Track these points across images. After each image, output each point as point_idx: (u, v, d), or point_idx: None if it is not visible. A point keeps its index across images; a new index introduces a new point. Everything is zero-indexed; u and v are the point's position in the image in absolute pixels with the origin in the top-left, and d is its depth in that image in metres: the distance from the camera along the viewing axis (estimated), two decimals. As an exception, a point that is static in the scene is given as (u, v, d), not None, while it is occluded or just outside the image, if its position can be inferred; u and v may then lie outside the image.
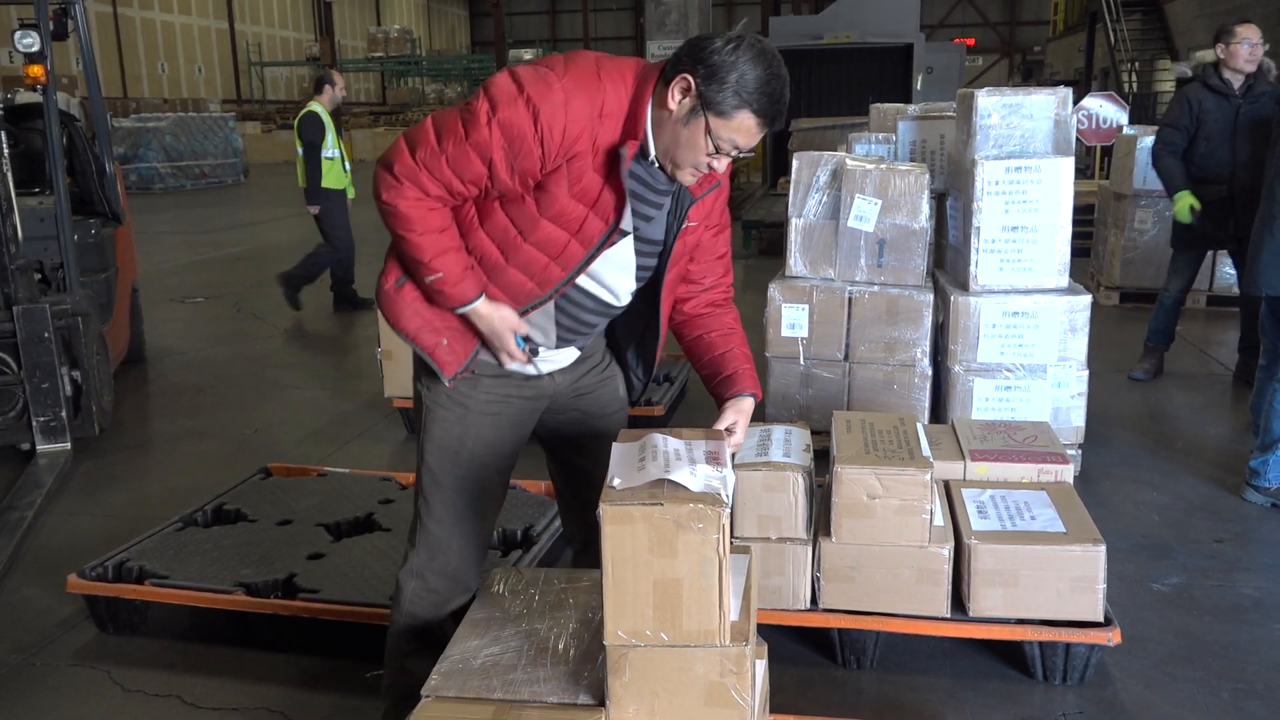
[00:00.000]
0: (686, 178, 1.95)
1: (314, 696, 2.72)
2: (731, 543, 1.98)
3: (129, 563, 3.06)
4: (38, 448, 4.41)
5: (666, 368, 5.12)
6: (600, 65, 1.91)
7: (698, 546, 1.73)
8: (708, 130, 1.85)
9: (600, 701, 1.85)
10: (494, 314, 2.03)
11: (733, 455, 2.05)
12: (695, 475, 1.80)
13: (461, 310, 2.02)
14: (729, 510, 1.74)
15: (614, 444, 2.00)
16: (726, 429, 2.09)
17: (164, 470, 4.43)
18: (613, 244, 2.00)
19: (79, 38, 5.56)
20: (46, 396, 4.38)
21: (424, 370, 2.15)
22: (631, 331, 2.25)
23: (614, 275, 2.07)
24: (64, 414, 4.43)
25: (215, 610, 2.94)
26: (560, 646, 2.03)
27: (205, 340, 6.83)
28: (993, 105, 4.11)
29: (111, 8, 27.08)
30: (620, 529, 1.73)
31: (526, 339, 2.09)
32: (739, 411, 2.13)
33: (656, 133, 1.90)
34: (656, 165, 1.95)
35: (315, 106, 7.58)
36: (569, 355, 2.18)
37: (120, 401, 5.28)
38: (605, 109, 1.87)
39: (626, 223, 1.97)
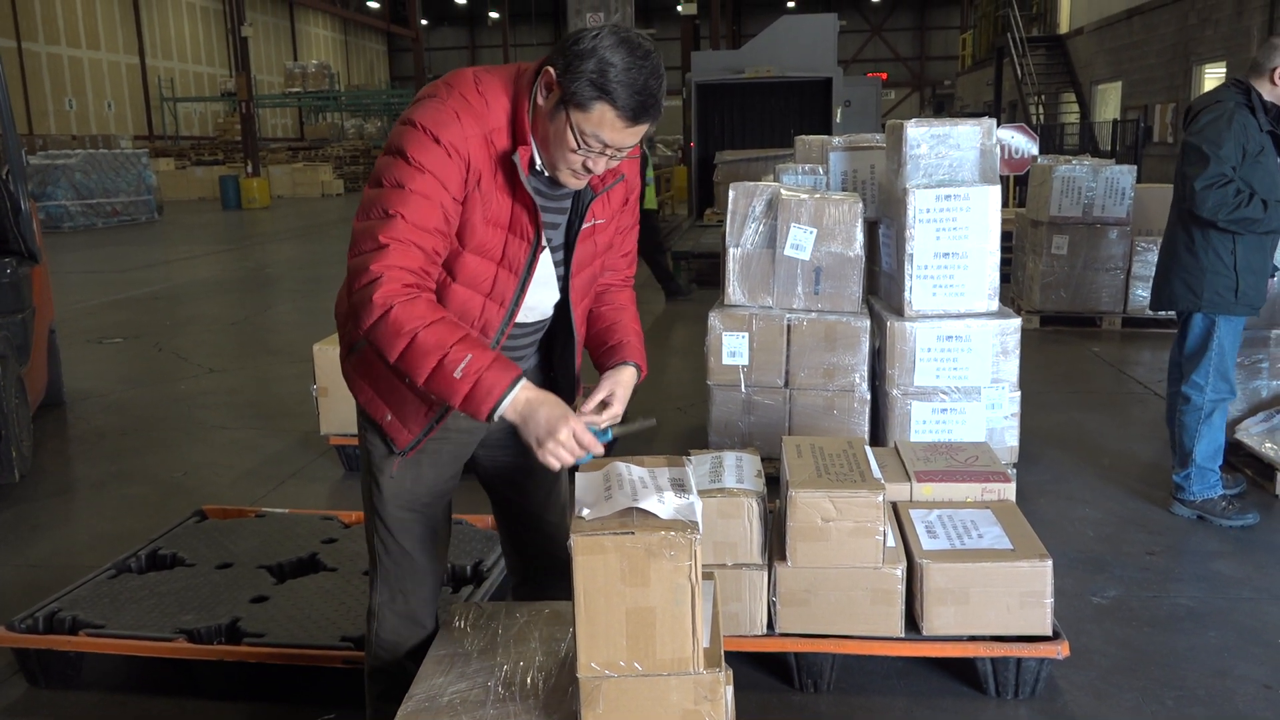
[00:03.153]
0: (568, 180, 1.86)
1: (263, 745, 2.63)
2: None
3: (60, 613, 2.93)
4: (-46, 497, 4.21)
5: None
6: (479, 79, 1.85)
7: (670, 574, 1.73)
8: (570, 125, 1.76)
9: (573, 735, 1.82)
10: (542, 399, 1.79)
11: (609, 428, 1.94)
12: (664, 503, 1.80)
13: (506, 400, 1.75)
14: (699, 537, 1.74)
15: (577, 474, 1.99)
16: (603, 400, 1.97)
17: (90, 517, 4.27)
18: (538, 262, 1.95)
19: (-9, 72, 5.39)
20: (-37, 443, 4.19)
21: (366, 420, 2.10)
22: (553, 349, 2.17)
23: (541, 292, 2.02)
24: (-18, 461, 4.24)
25: (155, 659, 2.83)
26: (529, 680, 2.01)
27: (126, 381, 6.61)
28: (922, 135, 4.23)
29: (16, 43, 26.31)
30: (592, 559, 1.72)
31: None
32: (616, 382, 2.01)
33: (535, 136, 1.84)
34: (543, 170, 1.88)
35: None
36: None
37: (40, 446, 5.08)
38: (491, 123, 1.82)
39: (543, 236, 1.92)
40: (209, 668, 2.81)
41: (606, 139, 1.77)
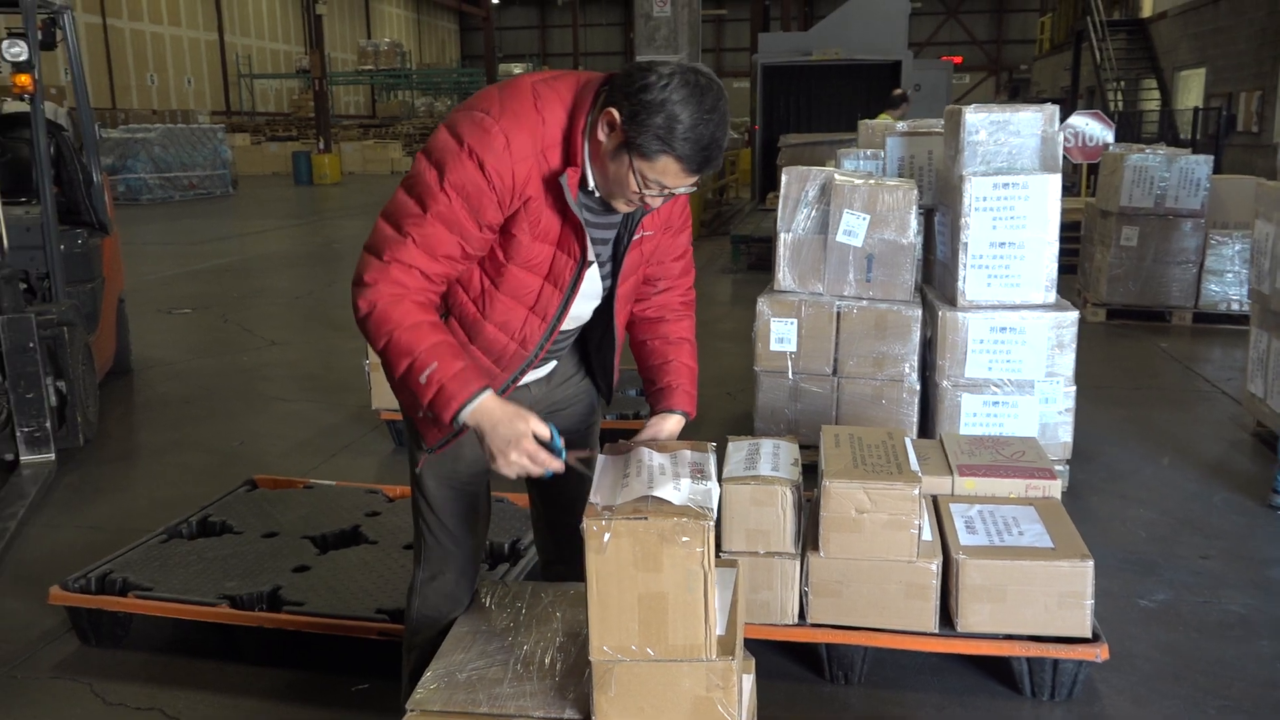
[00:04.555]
0: (623, 207, 1.88)
1: (298, 711, 2.69)
2: (719, 556, 1.99)
3: (112, 574, 3.03)
4: (21, 459, 4.37)
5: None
6: (537, 93, 1.83)
7: (682, 560, 1.73)
8: (632, 169, 1.77)
9: (586, 716, 1.84)
10: (503, 415, 1.81)
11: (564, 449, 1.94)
12: (679, 489, 1.80)
13: (466, 410, 1.80)
14: (713, 523, 1.74)
15: (600, 457, 2.00)
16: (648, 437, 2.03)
17: (149, 482, 4.40)
18: (583, 278, 1.96)
19: (67, 48, 5.55)
20: (31, 407, 4.35)
21: (402, 407, 2.13)
22: (589, 341, 2.20)
23: (584, 304, 2.05)
24: (48, 425, 4.40)
25: (199, 623, 2.91)
26: (546, 660, 2.02)
27: (192, 351, 6.79)
28: (980, 122, 4.13)
29: (101, 19, 27.05)
30: (604, 543, 1.73)
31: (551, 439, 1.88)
32: (659, 429, 2.07)
33: (592, 161, 1.83)
34: (595, 191, 1.88)
35: None
36: (545, 368, 2.16)
37: (106, 412, 5.24)
38: (547, 140, 1.81)
39: (590, 252, 1.92)
40: (249, 633, 2.88)
41: (667, 184, 1.78)
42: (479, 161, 1.75)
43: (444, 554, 2.20)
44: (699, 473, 1.89)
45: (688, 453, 1.99)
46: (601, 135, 1.78)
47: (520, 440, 1.81)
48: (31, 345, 4.31)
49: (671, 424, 2.09)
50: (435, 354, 1.79)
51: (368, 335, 1.85)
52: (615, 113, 1.74)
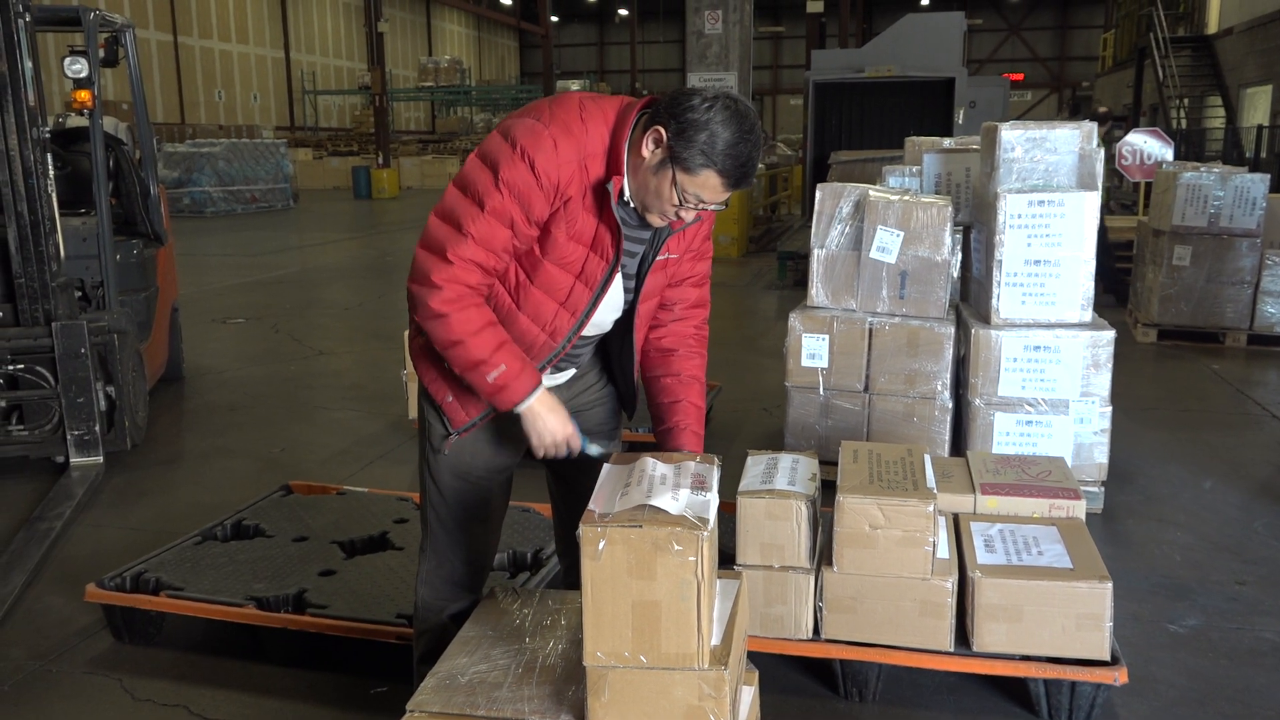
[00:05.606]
0: (656, 221, 2.02)
1: (318, 711, 2.75)
2: (732, 569, 2.01)
3: (146, 574, 3.13)
4: (71, 461, 4.52)
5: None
6: (583, 107, 1.98)
7: (676, 569, 1.75)
8: (674, 183, 1.92)
9: (581, 721, 1.86)
10: (556, 412, 2.08)
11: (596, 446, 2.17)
12: (677, 499, 1.82)
13: (521, 407, 2.04)
14: (708, 534, 1.75)
15: (604, 466, 2.03)
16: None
17: (191, 486, 4.52)
18: (612, 283, 2.08)
19: (129, 65, 5.75)
20: (81, 411, 4.50)
21: (427, 398, 2.23)
22: (610, 351, 2.30)
23: (606, 312, 2.16)
24: (97, 428, 4.54)
25: (227, 623, 2.99)
26: (548, 665, 2.05)
27: (242, 360, 6.97)
28: (1016, 138, 4.10)
29: (172, 37, 27.90)
30: (599, 550, 1.75)
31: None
32: None
33: (631, 175, 1.98)
34: (631, 204, 2.02)
35: None
36: (565, 374, 2.24)
37: (155, 418, 5.39)
38: (589, 149, 1.95)
39: (622, 256, 2.05)
40: (274, 634, 2.95)
41: (706, 199, 1.94)
42: (530, 161, 1.90)
43: (451, 544, 2.29)
44: (700, 484, 1.91)
45: (691, 464, 2.02)
46: (645, 151, 1.93)
47: (560, 434, 2.08)
48: (83, 351, 4.47)
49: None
50: (503, 356, 1.99)
51: (435, 333, 1.99)
52: (662, 130, 1.90)
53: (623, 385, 2.32)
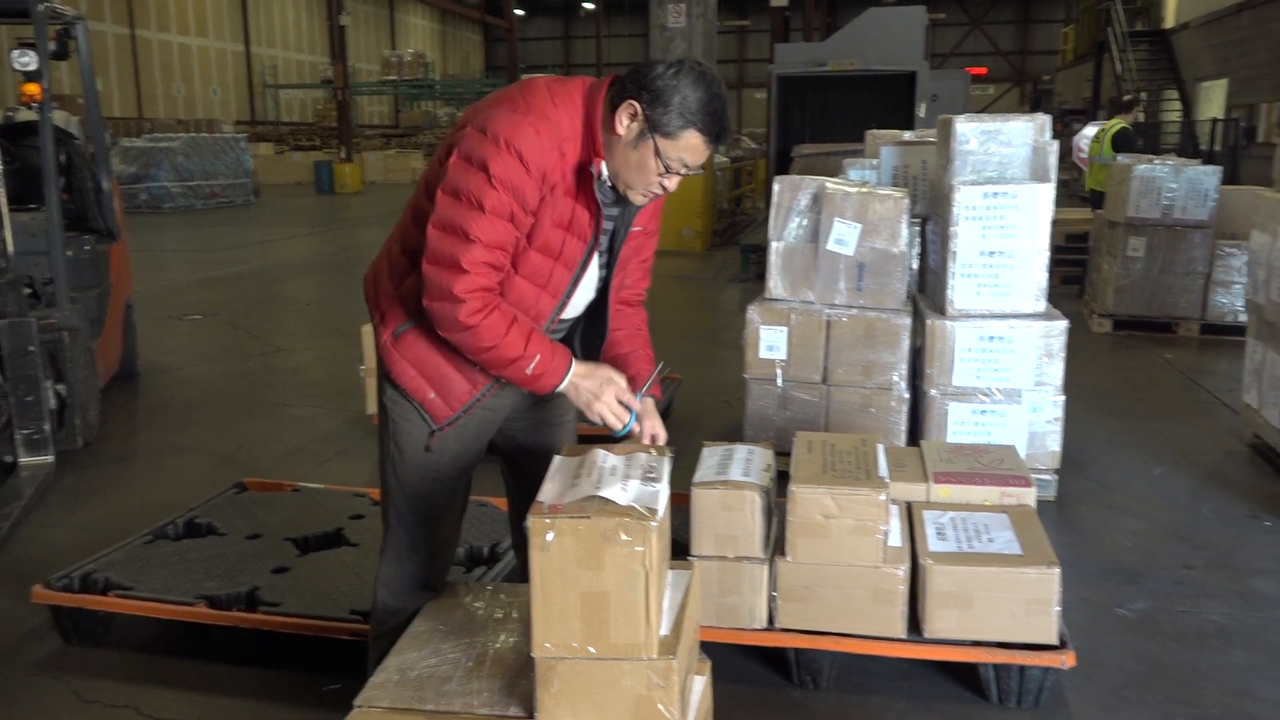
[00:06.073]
0: (638, 198, 2.05)
1: (270, 709, 2.72)
2: (686, 559, 2.01)
3: (95, 574, 3.08)
4: (19, 461, 4.44)
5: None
6: (553, 91, 1.99)
7: (624, 560, 1.75)
8: (657, 152, 1.95)
9: (530, 713, 1.86)
10: (592, 376, 2.07)
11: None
12: (626, 490, 1.82)
13: (562, 386, 2.06)
14: (657, 524, 1.76)
15: (555, 458, 2.03)
16: (650, 433, 2.16)
17: (144, 485, 4.46)
18: (591, 263, 2.10)
19: (80, 58, 5.65)
20: (30, 410, 4.42)
21: (390, 384, 2.20)
22: (583, 337, 2.29)
23: (583, 292, 2.17)
24: (47, 427, 4.47)
25: (178, 623, 2.95)
26: (499, 658, 2.05)
27: (199, 357, 6.88)
28: (971, 131, 4.13)
29: (130, 30, 27.45)
30: (547, 541, 1.75)
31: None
32: (649, 413, 2.19)
33: (608, 154, 2.00)
34: (609, 184, 2.04)
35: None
36: None
37: (108, 416, 5.31)
38: (565, 133, 1.96)
39: (602, 236, 2.08)
40: (225, 633, 2.92)
41: (689, 161, 1.96)
42: (517, 153, 1.90)
43: (412, 544, 2.27)
44: (650, 475, 1.92)
45: (643, 455, 2.02)
46: (621, 128, 1.95)
47: (606, 387, 2.07)
48: (32, 349, 4.39)
49: (649, 407, 2.23)
50: (535, 347, 2.00)
51: (466, 344, 1.99)
52: (636, 104, 1.93)
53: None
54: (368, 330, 4.74)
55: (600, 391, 2.06)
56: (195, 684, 2.83)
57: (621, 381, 2.09)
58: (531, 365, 2.00)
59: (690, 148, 1.95)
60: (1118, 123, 9.94)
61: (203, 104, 31.00)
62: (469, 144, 1.94)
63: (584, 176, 1.99)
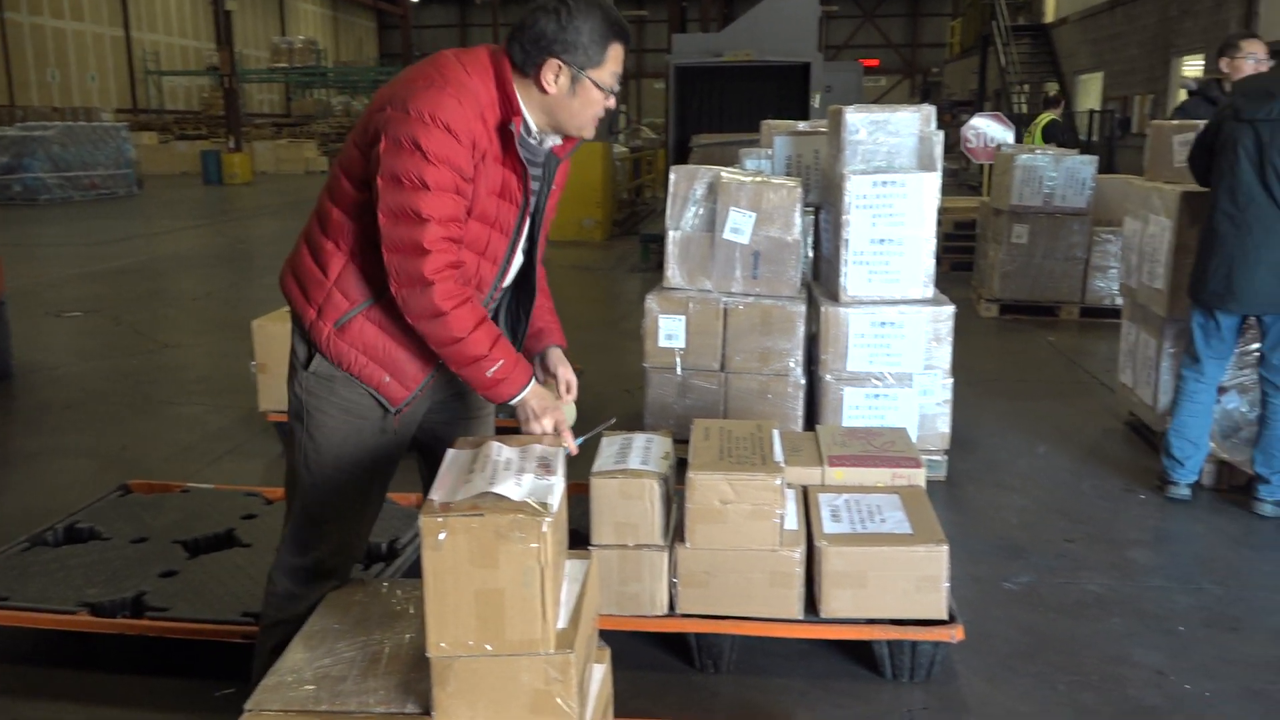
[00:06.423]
0: (589, 131, 2.13)
1: (160, 717, 2.64)
2: (586, 549, 2.01)
3: (-34, 585, 2.93)
4: (-118, 468, 4.20)
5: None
6: (463, 62, 2.02)
7: (519, 556, 1.74)
8: (596, 84, 2.04)
9: (427, 710, 1.83)
10: (543, 397, 2.12)
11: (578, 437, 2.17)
12: (520, 485, 1.81)
13: (517, 399, 2.08)
14: (551, 520, 1.75)
15: (449, 452, 2.01)
16: (565, 380, 2.29)
17: (20, 490, 4.26)
18: (525, 226, 2.15)
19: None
20: (-107, 414, 4.18)
21: (310, 375, 2.16)
22: (508, 303, 2.32)
23: (516, 257, 2.21)
24: (-88, 432, 4.23)
25: (59, 632, 2.83)
26: (395, 656, 2.01)
27: (79, 355, 6.59)
28: (860, 121, 4.23)
29: (-3, 13, 26.06)
30: (440, 540, 1.73)
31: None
32: (562, 362, 2.32)
33: (540, 112, 2.07)
34: (537, 140, 2.10)
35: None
36: None
37: (-20, 419, 5.06)
38: (483, 100, 2.00)
39: (531, 198, 2.13)
40: (110, 641, 2.82)
41: (618, 70, 2.07)
42: (445, 125, 1.92)
43: (319, 535, 2.23)
44: (545, 468, 1.91)
45: (537, 448, 2.01)
46: (552, 87, 2.02)
47: (552, 413, 2.11)
48: (-108, 350, 4.14)
49: (560, 355, 2.35)
50: (499, 352, 2.04)
51: (434, 332, 2.00)
52: (556, 60, 2.00)
53: (522, 332, 2.34)
54: (260, 324, 4.61)
55: (543, 414, 2.10)
56: (79, 696, 2.73)
57: (564, 416, 2.14)
58: (493, 369, 2.03)
59: (615, 58, 2.05)
60: (1047, 116, 10.47)
61: (80, 91, 29.61)
62: (395, 126, 1.94)
63: (507, 139, 2.02)
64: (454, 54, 2.05)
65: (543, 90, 2.02)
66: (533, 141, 2.09)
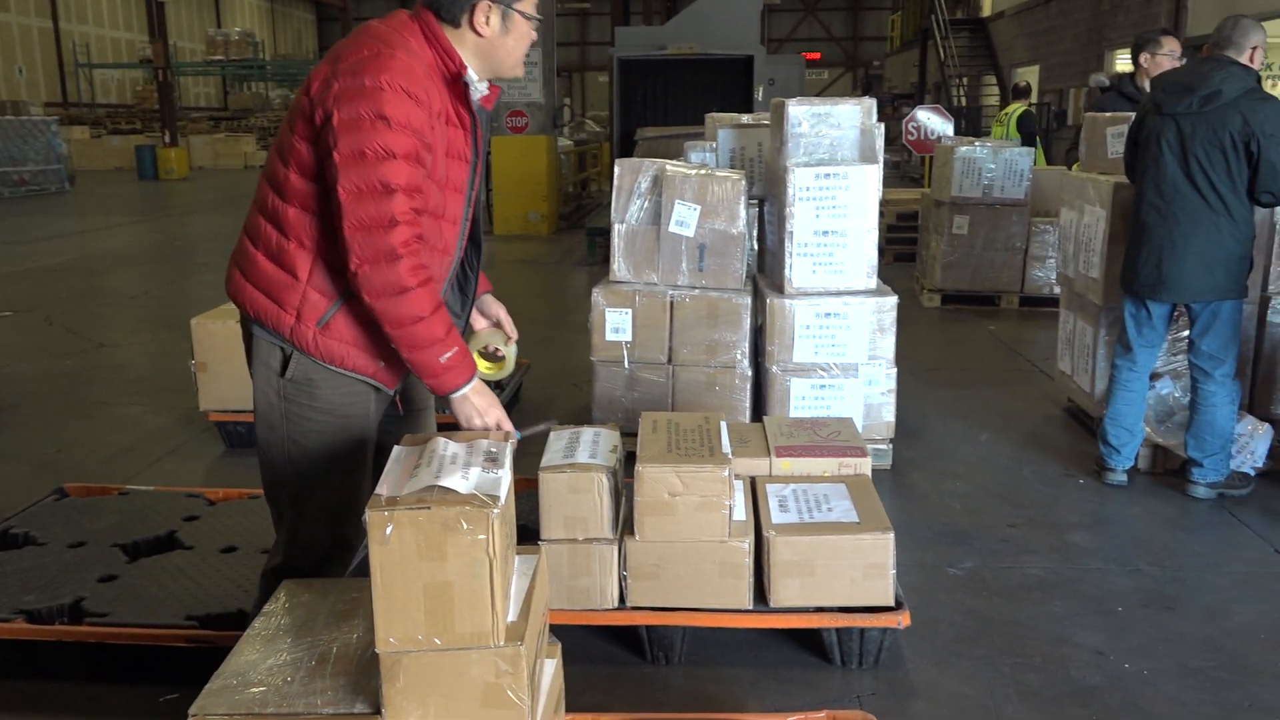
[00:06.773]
0: (520, 69, 2.18)
1: (101, 725, 2.58)
2: (535, 544, 2.00)
3: (-105, 594, 2.84)
4: None
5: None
6: (391, 28, 2.04)
7: (467, 549, 1.73)
8: (523, 16, 2.09)
9: (377, 709, 1.82)
10: (485, 394, 2.13)
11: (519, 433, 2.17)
12: (468, 478, 1.80)
13: (460, 392, 2.09)
14: (499, 511, 1.74)
15: (395, 448, 1.99)
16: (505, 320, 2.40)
17: (-49, 495, 4.13)
18: (477, 181, 2.18)
19: None
20: None
21: (287, 382, 2.14)
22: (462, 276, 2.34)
23: (470, 212, 2.23)
24: None
25: (-6, 640, 2.76)
26: (344, 655, 1.99)
27: (9, 356, 6.41)
28: (803, 114, 4.26)
29: (-82, 3, 25.18)
30: (387, 534, 1.71)
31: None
32: (495, 303, 2.42)
33: (473, 58, 2.09)
34: (475, 89, 2.12)
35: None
36: None
37: (-93, 423, 4.91)
38: (424, 60, 2.02)
39: (480, 154, 2.17)
40: (50, 649, 2.75)
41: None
42: (404, 90, 1.93)
43: (317, 539, 2.28)
44: (492, 462, 1.90)
45: (484, 442, 2.00)
46: (485, 29, 2.05)
47: (494, 410, 2.13)
48: None
49: (492, 298, 2.43)
50: (454, 339, 2.06)
51: (395, 310, 1.98)
52: (484, 1, 2.04)
53: (469, 297, 2.36)
54: (199, 322, 4.53)
55: (485, 411, 2.11)
56: (18, 705, 2.66)
57: (504, 414, 2.15)
58: (447, 355, 2.03)
59: None
60: (1019, 106, 10.57)
61: (6, 84, 28.73)
62: (351, 101, 1.93)
63: (456, 94, 2.06)
64: (379, 23, 2.07)
65: (478, 34, 2.05)
66: (477, 93, 2.12)
